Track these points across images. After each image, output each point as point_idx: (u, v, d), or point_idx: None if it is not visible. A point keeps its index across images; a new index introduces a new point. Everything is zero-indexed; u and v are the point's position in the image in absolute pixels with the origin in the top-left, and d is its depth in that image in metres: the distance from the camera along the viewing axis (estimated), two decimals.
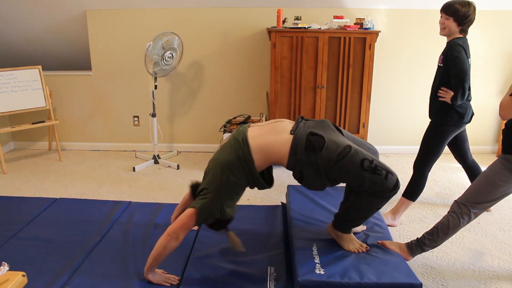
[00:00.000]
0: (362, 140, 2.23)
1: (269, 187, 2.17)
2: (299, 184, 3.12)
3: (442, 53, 2.77)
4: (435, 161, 2.90)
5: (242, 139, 2.05)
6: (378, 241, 2.29)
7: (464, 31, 2.71)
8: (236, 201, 2.17)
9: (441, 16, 2.71)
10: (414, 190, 2.96)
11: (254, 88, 4.47)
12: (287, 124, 2.11)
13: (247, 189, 3.40)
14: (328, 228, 2.29)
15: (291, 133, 2.03)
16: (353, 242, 2.20)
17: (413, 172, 2.97)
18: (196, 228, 2.63)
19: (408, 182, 3.00)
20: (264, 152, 2.03)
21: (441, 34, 2.76)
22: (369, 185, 1.98)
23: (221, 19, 4.27)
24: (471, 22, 2.68)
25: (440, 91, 2.76)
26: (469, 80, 2.75)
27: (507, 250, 2.70)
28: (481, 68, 4.35)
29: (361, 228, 2.42)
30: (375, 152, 2.24)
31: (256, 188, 2.16)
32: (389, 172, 1.98)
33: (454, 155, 3.12)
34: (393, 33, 4.24)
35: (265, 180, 2.14)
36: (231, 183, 2.02)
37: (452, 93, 2.67)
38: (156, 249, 2.03)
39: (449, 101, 2.70)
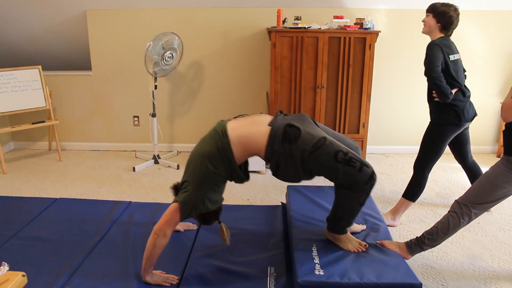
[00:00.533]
0: (343, 136, 2.27)
1: (247, 180, 2.20)
2: (299, 184, 3.13)
3: None
4: (436, 161, 2.90)
5: (221, 131, 2.08)
6: (377, 241, 2.29)
7: (445, 29, 2.74)
8: (218, 194, 2.16)
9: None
10: (414, 190, 2.96)
11: (254, 88, 4.48)
12: (266, 118, 2.16)
13: (247, 188, 3.40)
14: (325, 232, 2.30)
15: (269, 125, 2.07)
16: (351, 241, 2.20)
17: (413, 172, 2.96)
18: (195, 227, 2.63)
19: (408, 183, 3.00)
20: (243, 143, 2.06)
21: (422, 32, 2.83)
22: (343, 177, 2.00)
23: (221, 19, 4.27)
24: (451, 21, 2.72)
25: (433, 92, 2.79)
26: (461, 77, 2.81)
27: (507, 250, 2.70)
28: (481, 68, 4.35)
29: (360, 227, 2.42)
30: (355, 148, 2.26)
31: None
32: (363, 165, 2.00)
33: (454, 155, 3.13)
34: (393, 33, 4.24)
35: (242, 173, 2.16)
36: (212, 173, 2.04)
37: None
38: (147, 250, 2.04)
39: (439, 99, 2.75)
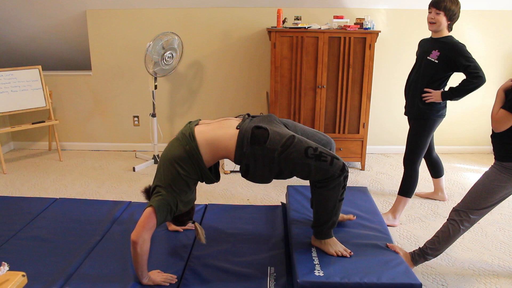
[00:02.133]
0: (314, 131, 2.28)
1: (217, 182, 2.21)
2: (299, 184, 3.13)
3: (436, 48, 2.76)
4: (423, 154, 2.95)
5: (189, 134, 2.09)
6: (388, 244, 2.26)
7: (450, 28, 2.77)
8: (190, 195, 2.17)
9: (430, 12, 2.73)
10: (408, 186, 2.99)
11: (254, 88, 4.48)
12: (234, 121, 2.17)
13: (247, 188, 3.40)
14: (312, 241, 2.25)
15: (237, 128, 2.08)
16: (336, 245, 2.17)
17: (404, 169, 3.00)
18: (193, 227, 2.63)
19: (401, 180, 3.02)
20: (211, 146, 2.07)
21: (430, 29, 2.79)
22: (315, 173, 2.00)
23: (221, 19, 4.27)
24: (457, 20, 2.75)
25: (426, 95, 2.80)
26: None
27: (507, 250, 2.71)
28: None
29: (347, 217, 2.45)
30: (328, 142, 2.26)
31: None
32: (334, 158, 2.01)
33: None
34: (393, 33, 4.24)
35: (212, 175, 2.17)
36: (183, 176, 2.05)
37: (439, 92, 2.76)
38: (133, 260, 2.03)
39: (440, 100, 2.77)
